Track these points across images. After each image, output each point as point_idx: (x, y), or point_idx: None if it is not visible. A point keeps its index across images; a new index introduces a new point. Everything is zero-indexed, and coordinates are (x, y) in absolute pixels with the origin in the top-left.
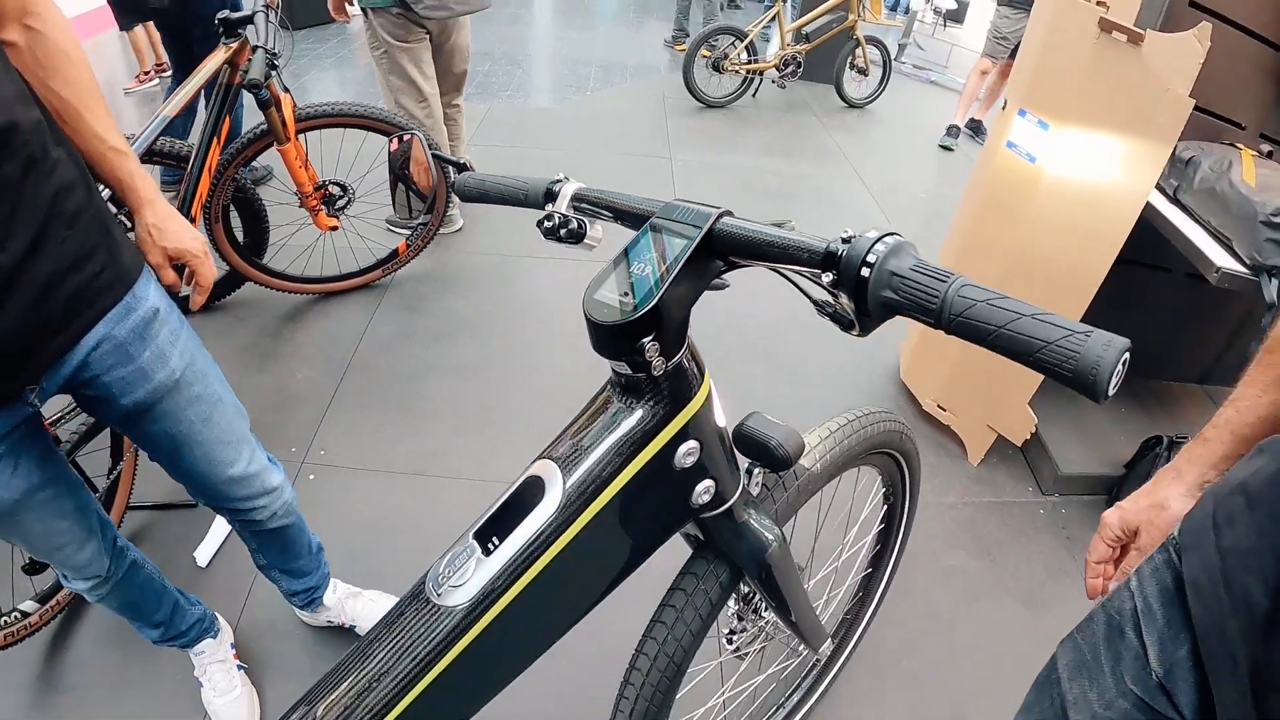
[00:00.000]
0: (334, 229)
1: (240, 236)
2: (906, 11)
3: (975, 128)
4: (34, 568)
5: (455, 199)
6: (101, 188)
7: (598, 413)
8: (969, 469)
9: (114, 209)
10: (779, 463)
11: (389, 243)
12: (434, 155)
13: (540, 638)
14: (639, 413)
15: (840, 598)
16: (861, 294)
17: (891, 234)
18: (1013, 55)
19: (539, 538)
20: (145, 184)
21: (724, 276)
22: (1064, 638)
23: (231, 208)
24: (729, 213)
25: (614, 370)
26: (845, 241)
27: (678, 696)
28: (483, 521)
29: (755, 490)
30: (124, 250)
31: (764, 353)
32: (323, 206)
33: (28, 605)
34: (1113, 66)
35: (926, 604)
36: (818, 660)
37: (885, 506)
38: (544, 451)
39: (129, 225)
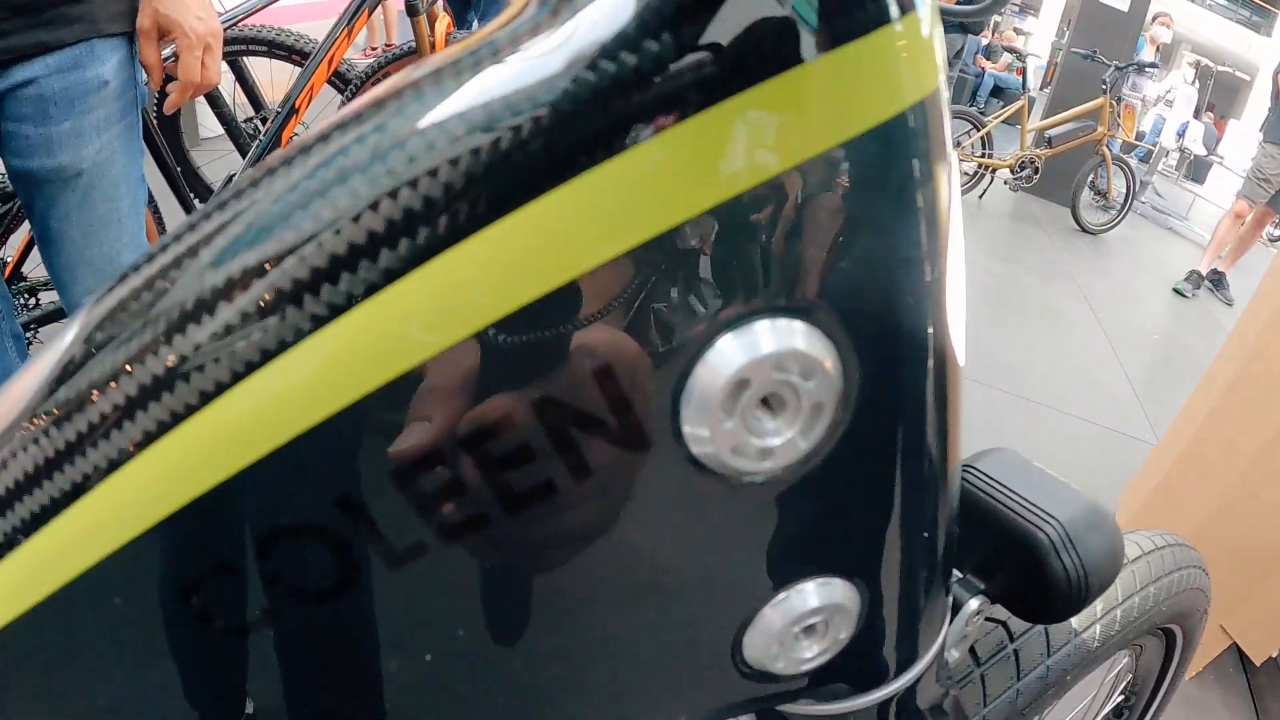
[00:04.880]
0: None
1: None
2: (1155, 140)
3: (1217, 281)
4: None
5: None
6: None
7: None
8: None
9: None
10: (1050, 603)
11: None
12: None
13: None
14: None
15: None
16: None
17: None
18: (1272, 203)
19: None
20: None
21: None
22: None
23: None
24: None
25: None
26: None
27: None
28: None
29: (955, 655)
30: (112, 1)
31: None
32: None
33: None
34: None
35: None
36: None
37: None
38: None
39: None
